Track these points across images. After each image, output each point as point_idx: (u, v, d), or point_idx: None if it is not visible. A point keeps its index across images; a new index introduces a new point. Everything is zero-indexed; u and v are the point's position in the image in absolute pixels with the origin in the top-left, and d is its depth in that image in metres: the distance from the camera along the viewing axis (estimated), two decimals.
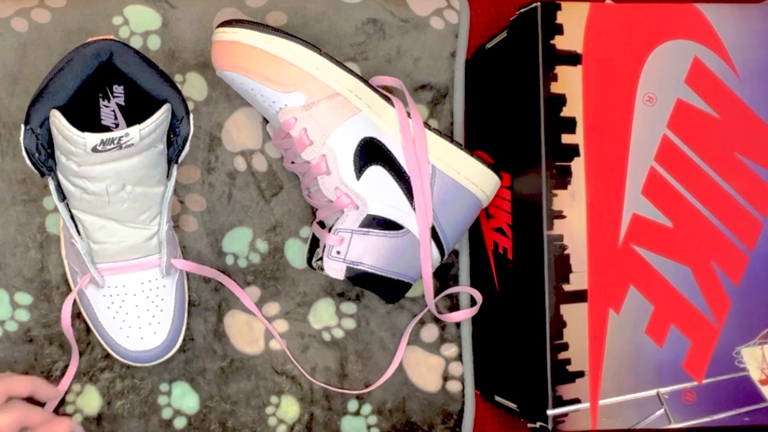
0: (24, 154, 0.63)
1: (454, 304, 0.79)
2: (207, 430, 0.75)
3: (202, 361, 0.75)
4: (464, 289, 0.78)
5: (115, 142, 0.59)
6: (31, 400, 0.71)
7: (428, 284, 0.73)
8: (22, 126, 0.62)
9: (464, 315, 0.77)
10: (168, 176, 0.67)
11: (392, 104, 0.71)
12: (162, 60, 0.75)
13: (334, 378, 0.77)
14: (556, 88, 0.68)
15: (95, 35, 0.67)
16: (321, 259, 0.71)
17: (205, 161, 0.76)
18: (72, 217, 0.67)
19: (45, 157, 0.63)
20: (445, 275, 0.78)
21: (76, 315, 0.74)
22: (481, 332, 0.79)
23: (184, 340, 0.73)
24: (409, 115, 0.71)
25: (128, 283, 0.69)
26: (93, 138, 0.59)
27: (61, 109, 0.61)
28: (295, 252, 0.77)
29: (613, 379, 0.67)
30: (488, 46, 0.80)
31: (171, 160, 0.66)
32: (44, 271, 0.74)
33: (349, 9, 0.77)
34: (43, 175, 0.64)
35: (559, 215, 0.67)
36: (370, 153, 0.70)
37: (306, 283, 0.77)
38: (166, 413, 0.75)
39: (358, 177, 0.70)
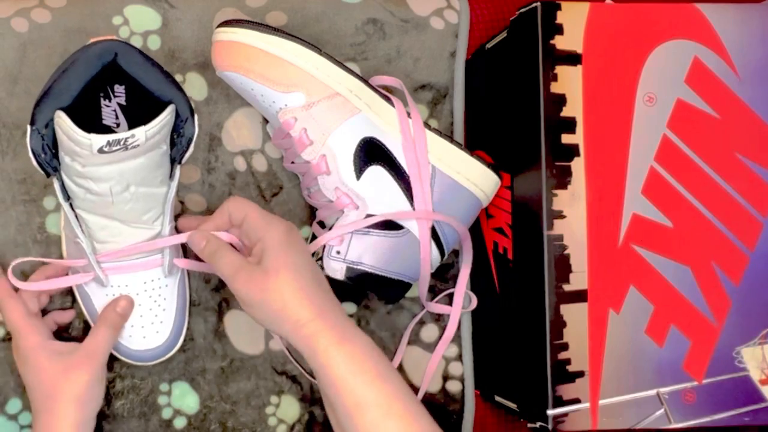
0: (30, 154, 0.62)
1: (451, 304, 0.78)
2: (207, 430, 0.75)
3: (202, 361, 0.75)
4: (459, 291, 0.77)
5: (121, 143, 0.59)
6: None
7: (424, 283, 0.73)
8: (28, 127, 0.62)
9: (455, 312, 0.76)
10: (171, 177, 0.67)
11: (392, 104, 0.71)
12: (162, 60, 0.75)
13: None
14: (556, 88, 0.68)
15: (95, 35, 0.67)
16: (321, 259, 0.71)
17: (205, 161, 0.76)
18: (76, 217, 0.67)
19: (50, 157, 0.63)
20: (444, 275, 0.78)
21: (77, 315, 0.74)
22: (481, 332, 0.79)
23: (184, 340, 0.73)
24: (409, 115, 0.71)
25: (131, 282, 0.69)
26: (99, 139, 0.59)
27: (65, 109, 0.61)
28: None
29: (613, 379, 0.67)
30: (488, 46, 0.80)
31: (174, 161, 0.66)
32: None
33: (349, 9, 0.77)
34: (48, 175, 0.64)
35: (559, 215, 0.67)
36: (370, 153, 0.70)
37: None
38: (166, 413, 0.75)
39: (358, 177, 0.70)
